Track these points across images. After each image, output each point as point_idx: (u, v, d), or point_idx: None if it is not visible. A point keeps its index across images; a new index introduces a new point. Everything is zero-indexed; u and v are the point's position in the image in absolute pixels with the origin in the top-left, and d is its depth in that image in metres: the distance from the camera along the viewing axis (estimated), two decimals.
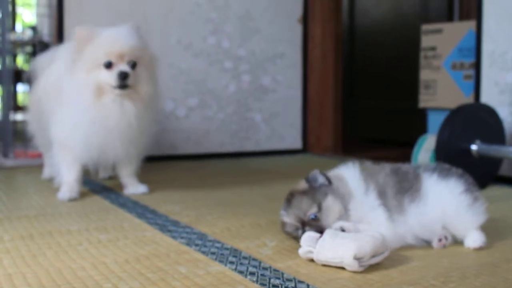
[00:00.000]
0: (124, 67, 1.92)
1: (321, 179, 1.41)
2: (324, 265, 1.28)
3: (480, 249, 1.43)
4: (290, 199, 1.43)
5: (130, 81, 1.92)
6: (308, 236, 1.33)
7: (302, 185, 1.43)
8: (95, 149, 2.00)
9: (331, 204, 1.38)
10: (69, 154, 2.05)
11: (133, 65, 1.95)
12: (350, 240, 1.25)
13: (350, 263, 1.22)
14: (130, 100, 1.96)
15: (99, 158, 2.05)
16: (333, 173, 1.48)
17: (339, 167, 1.51)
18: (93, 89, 1.93)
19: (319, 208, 1.37)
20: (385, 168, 1.49)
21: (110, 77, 1.92)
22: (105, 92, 1.94)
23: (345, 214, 1.38)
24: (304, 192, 1.40)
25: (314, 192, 1.39)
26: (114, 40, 1.95)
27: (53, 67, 2.15)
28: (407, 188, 1.44)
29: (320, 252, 1.27)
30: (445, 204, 1.43)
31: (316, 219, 1.37)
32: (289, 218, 1.42)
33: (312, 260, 1.30)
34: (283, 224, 1.45)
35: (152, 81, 2.03)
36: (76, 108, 1.97)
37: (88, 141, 1.98)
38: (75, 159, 2.06)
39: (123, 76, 1.91)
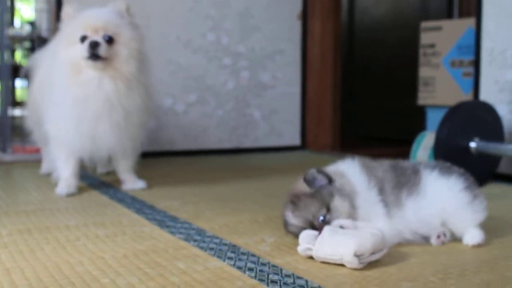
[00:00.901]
0: (96, 38, 1.92)
1: (320, 179, 1.39)
2: (323, 262, 1.27)
3: (478, 246, 1.43)
4: (296, 202, 1.39)
5: (102, 52, 1.91)
6: (307, 233, 1.33)
7: (304, 186, 1.40)
8: (85, 137, 1.97)
9: (339, 204, 1.36)
10: (64, 149, 2.05)
11: (109, 40, 1.94)
12: (350, 237, 1.25)
13: (350, 260, 1.22)
14: (109, 77, 1.95)
15: (92, 149, 2.02)
16: (333, 169, 1.46)
17: (338, 162, 1.50)
18: (70, 65, 1.94)
19: (328, 209, 1.36)
20: (383, 164, 1.49)
21: (82, 49, 1.92)
22: (83, 68, 1.94)
23: (354, 212, 1.36)
24: (311, 195, 1.37)
25: (320, 193, 1.37)
26: (90, 15, 1.98)
27: (46, 61, 2.16)
28: (405, 182, 1.43)
29: (320, 249, 1.26)
30: (445, 201, 1.42)
31: (325, 220, 1.35)
32: (297, 221, 1.39)
33: (311, 258, 1.30)
34: (289, 225, 1.42)
35: (133, 60, 1.99)
36: (59, 88, 1.98)
37: (76, 127, 1.96)
38: (70, 154, 2.05)
39: (93, 45, 1.90)
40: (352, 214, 1.36)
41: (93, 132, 1.97)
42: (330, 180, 1.39)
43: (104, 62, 1.93)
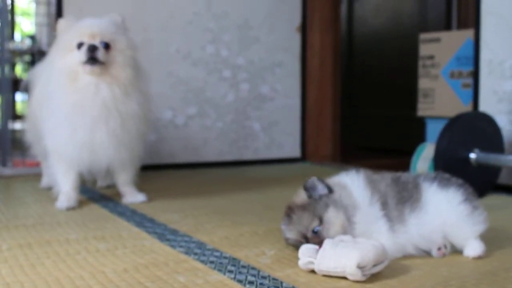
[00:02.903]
0: (94, 42, 1.95)
1: (320, 187, 1.38)
2: (326, 275, 1.27)
3: (479, 258, 1.42)
4: (290, 214, 1.39)
5: (100, 55, 1.93)
6: (307, 247, 1.32)
7: (301, 196, 1.39)
8: (83, 146, 1.97)
9: (333, 216, 1.34)
10: (64, 162, 2.05)
11: (106, 46, 1.96)
12: (352, 249, 1.24)
13: (353, 272, 1.21)
14: (106, 83, 1.96)
15: (90, 159, 2.02)
16: (335, 180, 1.45)
17: (341, 174, 1.48)
18: (68, 73, 1.96)
19: (321, 221, 1.34)
20: (386, 178, 1.48)
21: (80, 54, 1.94)
22: (80, 75, 1.96)
23: (349, 226, 1.34)
24: (303, 207, 1.37)
25: (314, 205, 1.36)
26: (87, 23, 2.01)
27: (44, 74, 2.17)
28: (407, 198, 1.43)
29: (322, 262, 1.26)
30: (444, 214, 1.42)
31: (318, 233, 1.34)
32: (291, 234, 1.39)
33: (312, 271, 1.29)
34: (286, 239, 1.42)
35: (129, 67, 2.01)
36: (56, 97, 1.99)
37: (74, 134, 1.96)
38: (70, 167, 2.06)
39: (91, 48, 1.93)
40: (346, 227, 1.34)
41: (91, 140, 1.97)
42: (330, 190, 1.38)
43: (102, 67, 1.95)
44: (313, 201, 1.37)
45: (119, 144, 2.01)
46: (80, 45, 1.95)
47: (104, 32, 1.98)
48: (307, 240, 1.36)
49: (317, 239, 1.33)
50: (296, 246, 1.39)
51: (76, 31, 1.98)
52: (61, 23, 2.06)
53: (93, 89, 1.95)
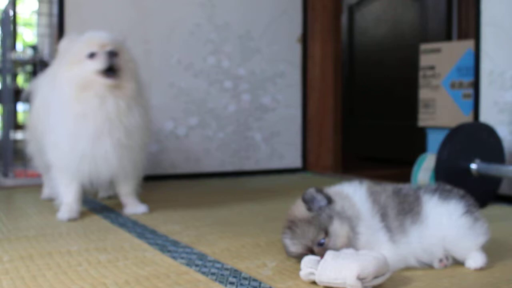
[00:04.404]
0: (109, 49, 1.94)
1: (319, 198, 1.37)
2: (326, 287, 1.27)
3: (481, 269, 1.42)
4: (293, 228, 1.37)
5: (118, 62, 1.93)
6: (309, 258, 1.32)
7: (302, 209, 1.38)
8: (87, 158, 1.97)
9: (338, 228, 1.34)
10: (66, 174, 2.05)
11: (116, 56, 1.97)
12: (353, 260, 1.24)
13: (353, 284, 1.21)
14: (112, 96, 1.95)
15: (94, 171, 2.01)
16: (336, 190, 1.44)
17: (343, 184, 1.48)
18: (77, 83, 1.95)
19: (326, 234, 1.34)
20: (387, 189, 1.47)
21: (95, 64, 1.93)
22: (89, 85, 1.94)
23: (353, 237, 1.34)
24: (307, 220, 1.35)
25: (318, 218, 1.34)
26: (95, 34, 2.01)
27: (44, 86, 2.18)
28: (408, 210, 1.42)
29: (323, 273, 1.26)
30: (445, 228, 1.41)
31: (324, 245, 1.33)
32: (295, 248, 1.37)
33: (314, 282, 1.29)
34: (289, 252, 1.41)
35: (133, 80, 2.02)
36: (60, 109, 1.98)
37: (77, 146, 1.96)
38: (72, 179, 2.05)
39: (111, 54, 1.93)
40: (351, 238, 1.34)
41: (94, 152, 1.97)
42: (329, 201, 1.37)
43: (117, 80, 1.94)
44: (316, 214, 1.35)
45: (122, 156, 2.01)
46: (91, 55, 1.94)
47: (113, 42, 1.98)
48: (312, 253, 1.35)
49: (323, 251, 1.32)
50: (299, 258, 1.38)
51: (85, 42, 1.97)
52: (63, 43, 2.06)
53: (98, 101, 1.94)
